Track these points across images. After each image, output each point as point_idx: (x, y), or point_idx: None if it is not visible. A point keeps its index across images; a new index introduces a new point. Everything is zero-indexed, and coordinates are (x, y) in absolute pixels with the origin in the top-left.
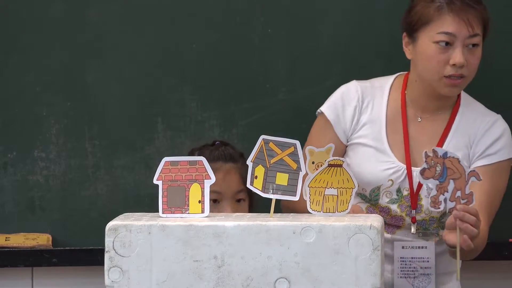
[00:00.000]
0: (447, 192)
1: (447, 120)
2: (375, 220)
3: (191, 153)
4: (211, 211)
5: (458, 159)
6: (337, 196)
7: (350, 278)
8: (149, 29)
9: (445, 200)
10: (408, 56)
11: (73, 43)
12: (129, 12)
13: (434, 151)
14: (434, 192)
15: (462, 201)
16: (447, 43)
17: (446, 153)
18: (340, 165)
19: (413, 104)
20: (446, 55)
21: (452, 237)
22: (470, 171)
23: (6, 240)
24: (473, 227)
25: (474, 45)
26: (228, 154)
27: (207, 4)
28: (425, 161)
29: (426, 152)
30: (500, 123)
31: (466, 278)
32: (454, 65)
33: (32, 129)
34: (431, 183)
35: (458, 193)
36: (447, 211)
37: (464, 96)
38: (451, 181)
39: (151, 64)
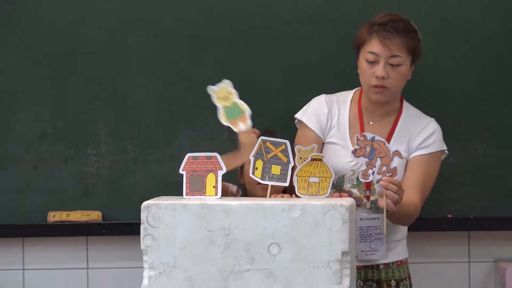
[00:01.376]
0: (375, 167)
1: (392, 122)
2: (346, 201)
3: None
4: None
5: (384, 142)
6: (318, 183)
7: (325, 244)
8: (177, 56)
9: (372, 172)
10: (358, 71)
11: (117, 65)
12: (162, 40)
13: (364, 136)
14: (364, 167)
15: (388, 174)
16: (373, 61)
17: (374, 137)
18: (320, 159)
19: (366, 111)
20: (373, 70)
21: (381, 201)
22: (394, 151)
23: (67, 216)
24: (395, 194)
25: (398, 63)
26: (270, 131)
27: (219, 36)
28: (357, 143)
29: (357, 136)
30: (432, 124)
31: (414, 244)
32: (376, 77)
33: (86, 132)
34: (362, 161)
35: (384, 168)
36: (375, 181)
37: (406, 104)
38: (378, 159)
39: (177, 82)
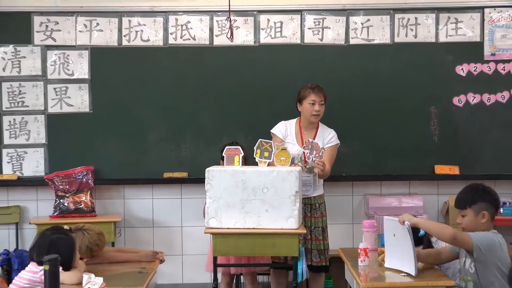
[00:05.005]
0: (312, 154)
1: (314, 132)
2: (297, 168)
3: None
4: None
5: (317, 143)
6: (285, 160)
7: (288, 188)
8: (218, 104)
9: (311, 157)
10: (299, 109)
11: (191, 111)
12: (216, 97)
13: (308, 140)
14: (308, 154)
15: (318, 158)
16: (313, 103)
17: (312, 140)
18: (285, 149)
19: (302, 127)
20: (313, 107)
21: (315, 170)
22: (321, 147)
23: (172, 174)
24: (321, 166)
25: (322, 104)
26: (236, 142)
27: (236, 95)
28: (305, 143)
29: (306, 140)
30: (332, 132)
31: (328, 188)
32: (316, 110)
33: (180, 138)
34: (307, 151)
35: (317, 155)
36: (312, 161)
37: (320, 123)
38: (315, 151)
39: (221, 116)
